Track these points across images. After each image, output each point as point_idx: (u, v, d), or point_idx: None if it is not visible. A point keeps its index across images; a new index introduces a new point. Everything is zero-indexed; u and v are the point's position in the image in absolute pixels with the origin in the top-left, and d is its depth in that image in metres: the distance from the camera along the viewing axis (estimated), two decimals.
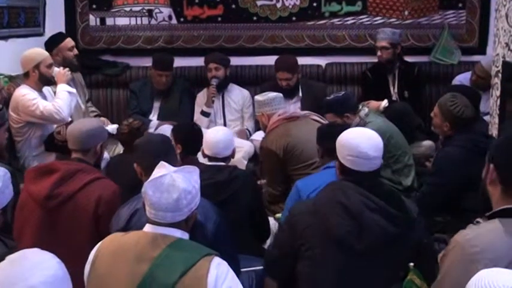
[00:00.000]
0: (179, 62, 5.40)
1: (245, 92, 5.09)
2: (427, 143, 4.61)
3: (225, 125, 4.84)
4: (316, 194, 2.31)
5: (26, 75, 4.03)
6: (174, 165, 2.05)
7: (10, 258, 1.49)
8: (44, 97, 4.10)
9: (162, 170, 1.99)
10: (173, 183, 1.94)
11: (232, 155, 3.26)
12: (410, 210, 2.24)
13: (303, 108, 4.74)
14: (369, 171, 2.23)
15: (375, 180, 2.25)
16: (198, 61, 5.35)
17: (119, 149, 4.62)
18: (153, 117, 5.02)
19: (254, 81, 5.32)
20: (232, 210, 2.92)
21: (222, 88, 4.96)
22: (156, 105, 5.06)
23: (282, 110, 3.73)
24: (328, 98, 3.88)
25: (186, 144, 3.29)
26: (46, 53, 4.12)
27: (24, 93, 3.92)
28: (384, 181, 2.31)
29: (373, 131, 2.33)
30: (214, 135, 3.18)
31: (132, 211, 2.44)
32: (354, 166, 2.23)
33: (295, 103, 4.94)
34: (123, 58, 5.46)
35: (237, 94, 5.04)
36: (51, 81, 4.10)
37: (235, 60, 5.17)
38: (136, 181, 3.35)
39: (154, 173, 1.99)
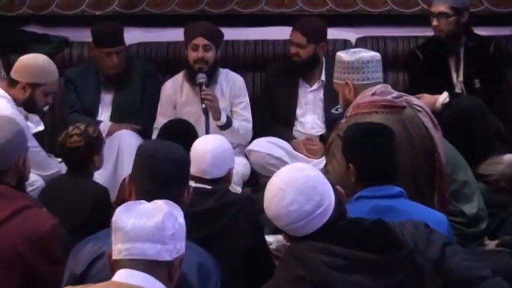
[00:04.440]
0: (141, 35, 5.51)
1: (237, 79, 5.13)
2: (510, 157, 4.65)
3: (207, 134, 4.79)
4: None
5: (13, 82, 4.25)
6: (182, 196, 2.46)
7: None
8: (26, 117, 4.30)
9: None
10: (155, 206, 2.10)
11: (228, 178, 3.32)
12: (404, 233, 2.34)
13: (326, 102, 4.90)
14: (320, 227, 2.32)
15: (341, 225, 2.35)
16: (170, 34, 5.45)
17: None
18: (103, 116, 5.07)
19: (252, 63, 5.40)
20: (222, 251, 2.95)
21: (210, 81, 4.92)
22: (107, 98, 5.12)
23: (380, 87, 3.47)
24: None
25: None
26: (55, 76, 4.35)
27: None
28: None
29: (294, 169, 2.42)
30: (202, 146, 3.24)
31: (97, 253, 2.44)
32: (296, 233, 2.34)
33: (316, 91, 5.07)
34: (59, 30, 5.51)
35: (226, 84, 5.07)
36: (35, 110, 4.33)
37: (225, 33, 5.10)
38: (88, 214, 3.35)
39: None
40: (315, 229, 2.30)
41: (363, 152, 2.96)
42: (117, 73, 5.04)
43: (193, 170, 3.14)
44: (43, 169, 4.31)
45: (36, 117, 4.61)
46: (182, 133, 3.70)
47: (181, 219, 2.12)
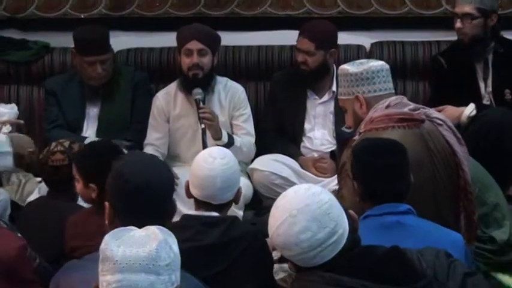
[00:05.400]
0: (131, 40, 5.56)
1: (238, 89, 5.13)
2: None
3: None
4: None
5: None
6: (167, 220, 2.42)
7: None
8: None
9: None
10: (148, 234, 2.11)
11: (236, 200, 3.31)
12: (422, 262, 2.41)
13: (337, 116, 4.89)
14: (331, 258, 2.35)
15: (354, 253, 2.38)
16: (163, 39, 5.47)
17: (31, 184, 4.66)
18: (88, 131, 5.10)
19: (255, 71, 5.44)
20: None
21: (203, 87, 4.89)
22: (92, 112, 5.15)
23: (394, 98, 3.49)
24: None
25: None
26: None
27: None
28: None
29: (307, 193, 2.42)
30: (209, 167, 3.20)
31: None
32: (304, 263, 2.38)
33: (326, 103, 5.12)
34: (39, 34, 5.57)
35: (225, 94, 5.08)
36: None
37: (224, 38, 5.15)
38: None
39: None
40: (326, 260, 2.33)
41: (370, 172, 2.99)
42: (102, 84, 5.05)
43: (197, 193, 3.22)
44: None
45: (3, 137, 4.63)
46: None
47: (175, 247, 2.12)
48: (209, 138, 4.71)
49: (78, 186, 3.48)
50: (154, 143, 4.97)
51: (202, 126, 4.68)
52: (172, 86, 5.03)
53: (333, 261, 2.33)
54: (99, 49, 4.96)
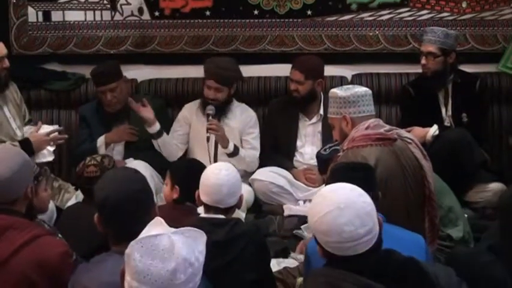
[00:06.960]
0: (152, 72, 5.59)
1: (251, 113, 5.22)
2: (496, 186, 4.69)
3: (215, 156, 4.92)
4: None
5: None
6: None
7: None
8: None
9: (158, 228, 2.05)
10: (171, 248, 1.97)
11: (239, 204, 3.32)
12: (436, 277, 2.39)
13: (324, 135, 4.98)
14: (360, 253, 2.33)
15: (378, 256, 2.35)
16: (179, 71, 5.55)
17: (69, 192, 4.73)
18: (117, 148, 5.06)
19: (255, 98, 5.48)
20: (231, 282, 3.01)
21: (219, 112, 5.00)
22: None
23: (373, 121, 3.54)
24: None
25: (186, 187, 3.52)
26: None
27: None
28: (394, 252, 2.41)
29: (354, 192, 2.38)
30: (216, 177, 3.22)
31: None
32: (338, 251, 2.33)
33: (314, 124, 5.16)
34: (76, 67, 5.57)
35: (240, 115, 5.15)
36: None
37: None
38: (102, 238, 3.39)
39: (146, 230, 2.07)
40: (357, 253, 2.31)
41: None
42: (119, 109, 5.03)
43: (207, 199, 3.24)
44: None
45: (50, 148, 4.66)
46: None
47: (198, 253, 2.03)
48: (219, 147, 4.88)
49: (166, 189, 3.75)
50: (176, 139, 5.09)
51: (208, 134, 4.81)
52: (196, 102, 5.17)
53: (361, 258, 2.30)
54: (106, 80, 4.94)
